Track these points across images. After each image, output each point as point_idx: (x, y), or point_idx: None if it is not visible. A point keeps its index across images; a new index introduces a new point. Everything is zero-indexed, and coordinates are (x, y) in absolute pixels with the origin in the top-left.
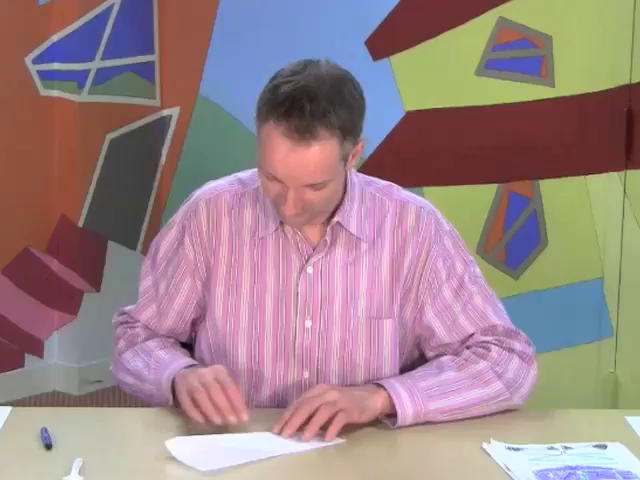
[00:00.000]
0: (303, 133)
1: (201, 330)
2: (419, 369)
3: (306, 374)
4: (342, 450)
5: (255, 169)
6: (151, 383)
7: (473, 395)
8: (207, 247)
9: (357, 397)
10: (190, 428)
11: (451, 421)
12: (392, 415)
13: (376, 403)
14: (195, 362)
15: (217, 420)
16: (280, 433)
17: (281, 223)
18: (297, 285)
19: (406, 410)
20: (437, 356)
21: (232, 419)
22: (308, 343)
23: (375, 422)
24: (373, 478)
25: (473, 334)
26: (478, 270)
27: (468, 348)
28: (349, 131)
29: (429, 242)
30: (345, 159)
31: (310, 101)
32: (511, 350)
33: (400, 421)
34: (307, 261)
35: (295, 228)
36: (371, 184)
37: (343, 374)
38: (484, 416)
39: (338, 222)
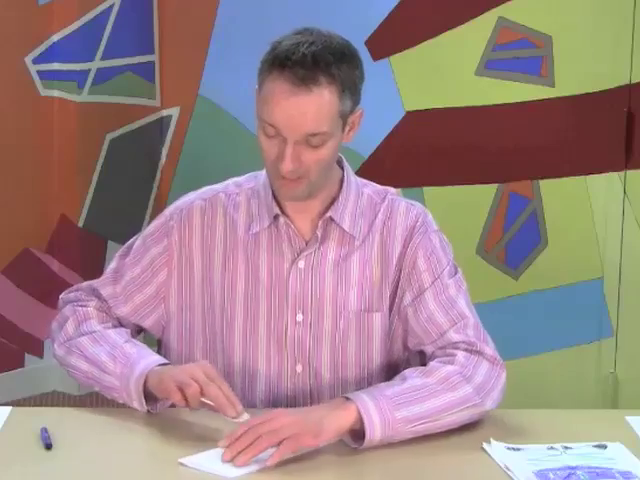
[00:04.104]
0: (304, 79)
1: (171, 329)
2: (385, 383)
3: (299, 368)
4: (339, 450)
5: (249, 173)
6: (116, 377)
7: (441, 401)
8: (200, 244)
9: (312, 421)
10: (190, 427)
11: (421, 436)
12: (358, 432)
13: (338, 420)
14: (166, 361)
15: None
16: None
17: (275, 218)
18: (288, 279)
19: (372, 419)
20: (414, 354)
21: (231, 412)
22: (300, 336)
23: None
24: (372, 478)
25: (444, 330)
26: (460, 272)
27: (436, 357)
28: (349, 87)
29: (412, 232)
30: (344, 118)
31: (314, 51)
32: (480, 354)
33: (368, 432)
34: (299, 255)
35: (288, 200)
36: (368, 186)
37: (334, 367)
38: (480, 419)
39: (331, 217)
